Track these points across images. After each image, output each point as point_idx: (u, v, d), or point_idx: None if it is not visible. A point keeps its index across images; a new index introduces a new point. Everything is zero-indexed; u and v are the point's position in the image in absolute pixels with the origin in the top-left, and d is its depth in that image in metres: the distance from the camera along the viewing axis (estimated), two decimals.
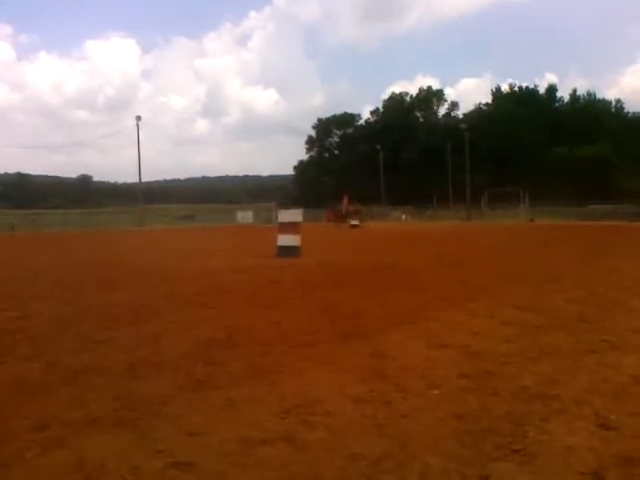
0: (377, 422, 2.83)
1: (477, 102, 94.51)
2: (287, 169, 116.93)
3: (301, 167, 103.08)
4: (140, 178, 57.88)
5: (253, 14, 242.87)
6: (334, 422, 2.84)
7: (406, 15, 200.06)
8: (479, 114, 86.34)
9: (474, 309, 5.99)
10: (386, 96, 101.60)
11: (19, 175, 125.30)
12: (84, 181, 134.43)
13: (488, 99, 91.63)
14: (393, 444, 2.57)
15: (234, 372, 3.71)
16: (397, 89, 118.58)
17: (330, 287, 7.90)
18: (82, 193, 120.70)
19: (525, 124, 75.04)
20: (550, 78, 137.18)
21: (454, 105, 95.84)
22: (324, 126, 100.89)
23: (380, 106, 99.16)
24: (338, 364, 3.88)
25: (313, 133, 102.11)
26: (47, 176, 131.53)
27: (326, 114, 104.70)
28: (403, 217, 58.50)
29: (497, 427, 2.75)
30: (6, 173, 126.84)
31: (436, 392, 3.29)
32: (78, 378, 3.65)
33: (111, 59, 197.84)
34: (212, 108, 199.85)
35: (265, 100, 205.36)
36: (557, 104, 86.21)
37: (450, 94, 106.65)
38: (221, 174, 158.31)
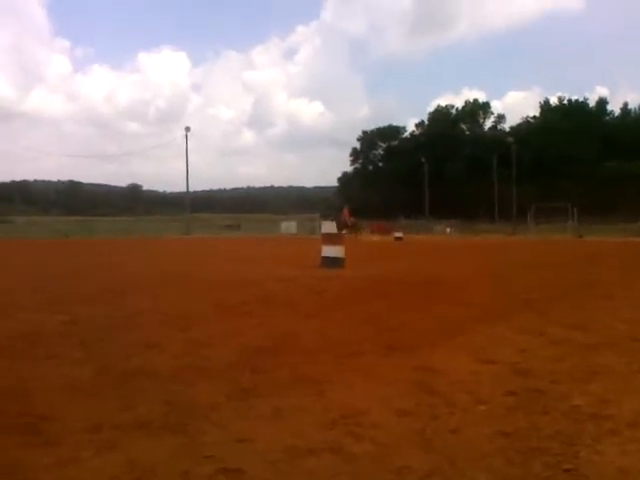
0: (424, 436, 2.80)
1: (524, 115, 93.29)
2: (331, 181, 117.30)
3: (345, 179, 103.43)
4: (187, 187, 59.01)
5: (300, 28, 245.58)
6: (380, 434, 2.82)
7: (453, 27, 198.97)
8: (526, 127, 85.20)
9: (522, 325, 5.88)
10: (431, 109, 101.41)
11: (72, 183, 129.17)
12: (134, 190, 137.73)
13: (536, 112, 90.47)
14: (441, 460, 2.54)
15: (279, 381, 3.74)
16: (443, 102, 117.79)
17: (374, 299, 7.88)
18: (131, 201, 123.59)
19: (574, 138, 73.60)
20: (601, 91, 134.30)
21: (500, 118, 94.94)
22: (369, 138, 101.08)
23: (425, 119, 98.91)
24: (383, 376, 3.87)
25: (357, 145, 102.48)
26: (99, 184, 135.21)
27: (371, 126, 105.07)
28: (447, 230, 57.92)
29: (547, 446, 2.69)
30: (59, 181, 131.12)
31: (483, 408, 3.24)
32: (128, 381, 3.73)
33: (162, 72, 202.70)
34: (258, 120, 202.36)
35: (310, 112, 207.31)
36: (607, 118, 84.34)
37: (497, 107, 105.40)
38: (266, 185, 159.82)
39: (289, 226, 57.38)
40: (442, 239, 41.67)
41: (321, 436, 2.80)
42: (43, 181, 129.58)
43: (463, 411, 3.18)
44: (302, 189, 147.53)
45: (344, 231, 35.95)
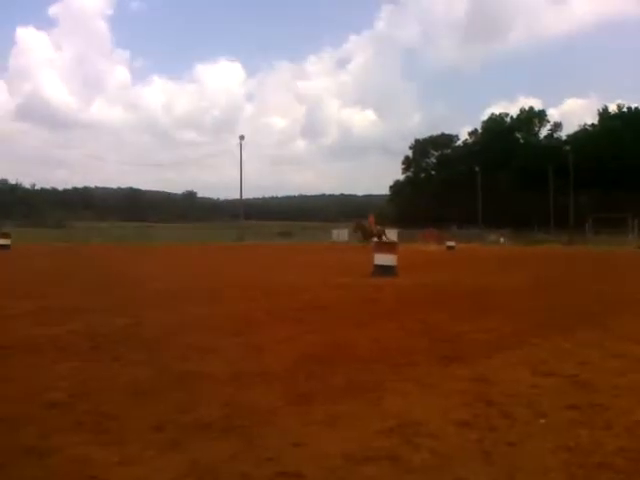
0: (483, 448, 2.77)
1: (582, 123, 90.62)
2: (383, 189, 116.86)
3: (397, 187, 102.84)
4: (241, 195, 59.72)
5: (353, 37, 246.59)
6: (438, 445, 2.80)
7: (508, 35, 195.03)
8: (584, 135, 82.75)
9: (581, 338, 5.73)
10: (485, 117, 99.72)
11: (131, 190, 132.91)
12: (189, 197, 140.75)
13: (594, 120, 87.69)
14: (501, 473, 2.51)
15: (335, 387, 3.76)
16: (497, 110, 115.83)
17: (428, 308, 7.82)
18: (187, 208, 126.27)
19: (634, 146, 71.02)
20: None
21: (557, 126, 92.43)
22: (421, 147, 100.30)
23: (479, 127, 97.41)
24: (440, 386, 3.84)
25: (410, 153, 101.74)
26: (156, 191, 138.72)
27: (423, 135, 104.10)
28: (501, 240, 56.76)
29: (610, 462, 2.62)
30: (119, 188, 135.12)
31: (543, 421, 3.18)
32: (187, 384, 3.82)
33: (218, 82, 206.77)
34: (311, 128, 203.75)
35: (362, 121, 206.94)
36: None
37: (553, 115, 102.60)
38: (317, 193, 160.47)
39: (340, 234, 57.36)
40: (496, 249, 40.86)
41: (378, 444, 2.80)
42: (104, 188, 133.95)
43: (522, 424, 3.12)
44: (354, 197, 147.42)
45: (370, 240, 35.28)
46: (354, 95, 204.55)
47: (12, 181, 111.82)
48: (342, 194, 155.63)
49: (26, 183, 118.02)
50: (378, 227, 36.27)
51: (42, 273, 14.52)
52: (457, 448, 2.78)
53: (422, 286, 10.89)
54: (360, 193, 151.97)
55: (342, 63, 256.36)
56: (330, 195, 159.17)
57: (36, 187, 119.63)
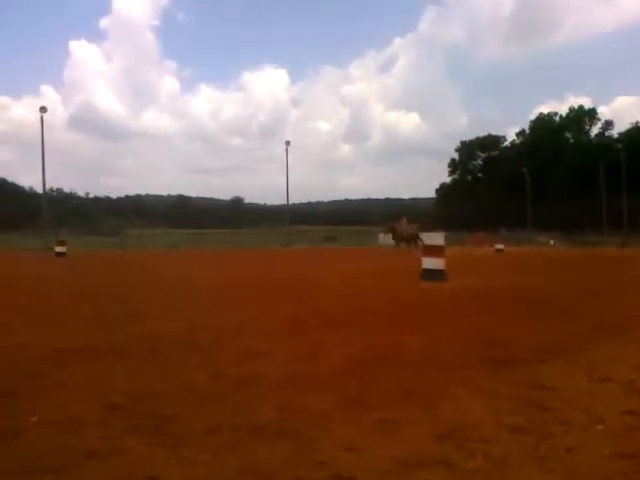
0: (538, 454, 2.74)
1: (634, 121, 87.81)
2: (429, 192, 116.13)
3: (443, 190, 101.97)
4: (288, 200, 60.15)
5: (397, 40, 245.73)
6: (492, 450, 2.78)
7: (556, 32, 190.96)
8: (637, 133, 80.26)
9: (638, 342, 5.59)
10: (533, 117, 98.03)
11: (180, 197, 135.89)
12: (236, 202, 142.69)
13: None
14: (557, 479, 2.49)
15: (386, 392, 3.77)
16: (545, 109, 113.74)
17: (479, 312, 7.73)
18: (234, 213, 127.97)
19: None
20: None
21: (608, 124, 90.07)
22: (467, 148, 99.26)
23: (527, 127, 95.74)
24: (492, 391, 3.80)
25: (456, 156, 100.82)
26: (204, 198, 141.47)
27: (469, 136, 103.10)
28: (551, 242, 55.59)
29: None
30: (169, 195, 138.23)
31: (600, 427, 3.12)
32: (242, 387, 3.90)
33: (264, 88, 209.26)
34: (355, 132, 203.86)
35: (407, 123, 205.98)
36: None
37: (604, 113, 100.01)
38: (363, 197, 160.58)
39: (386, 237, 57.04)
40: (546, 251, 40.01)
41: (431, 449, 2.81)
42: (155, 195, 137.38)
43: (579, 430, 3.07)
44: (400, 201, 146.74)
45: (400, 243, 34.51)
46: (398, 98, 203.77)
47: (67, 190, 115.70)
48: (387, 198, 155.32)
49: (80, 192, 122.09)
50: (411, 230, 35.03)
51: (98, 279, 14.99)
52: (512, 454, 2.75)
53: (472, 290, 10.77)
54: (406, 196, 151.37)
55: (386, 66, 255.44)
56: (375, 199, 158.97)
57: (90, 195, 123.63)
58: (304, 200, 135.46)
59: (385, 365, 4.58)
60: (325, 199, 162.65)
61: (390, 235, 39.08)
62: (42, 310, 8.13)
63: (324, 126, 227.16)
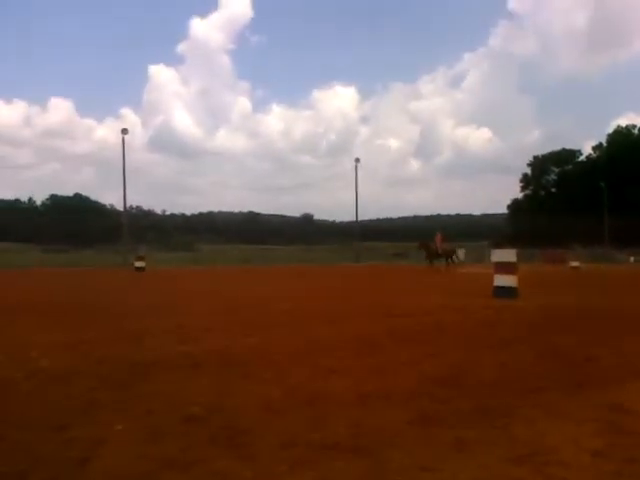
0: None
1: None
2: (500, 208, 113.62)
3: (515, 206, 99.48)
4: (357, 217, 60.36)
5: (467, 55, 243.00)
6: (572, 475, 2.69)
7: (633, 42, 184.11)
8: None
9: None
10: (611, 130, 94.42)
11: (251, 214, 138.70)
12: (306, 219, 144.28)
13: None
14: None
15: (460, 411, 3.71)
16: (624, 122, 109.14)
17: (554, 331, 7.49)
18: (304, 230, 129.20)
19: None
20: None
21: None
22: (540, 163, 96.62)
23: (604, 141, 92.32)
24: (570, 414, 3.68)
25: (528, 171, 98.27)
26: (274, 215, 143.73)
27: (542, 151, 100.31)
28: (631, 259, 53.08)
29: None
30: (240, 212, 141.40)
31: None
32: (315, 403, 3.93)
33: (333, 106, 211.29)
34: (425, 149, 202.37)
35: (477, 139, 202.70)
36: None
37: None
38: (432, 213, 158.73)
39: (457, 254, 56.20)
40: (626, 269, 38.25)
41: (509, 472, 2.74)
42: (226, 212, 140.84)
43: None
44: (470, 217, 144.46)
45: (434, 260, 32.74)
46: (469, 113, 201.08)
47: (145, 207, 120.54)
48: (458, 214, 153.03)
49: (157, 209, 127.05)
50: (445, 247, 33.62)
51: (175, 294, 15.49)
52: (592, 479, 2.68)
53: (546, 308, 10.45)
54: (476, 212, 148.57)
55: (456, 81, 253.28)
56: (445, 215, 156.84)
57: (166, 212, 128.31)
58: (373, 217, 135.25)
59: (458, 384, 4.51)
60: (394, 215, 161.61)
61: (462, 252, 37.89)
62: (121, 324, 8.47)
63: (393, 143, 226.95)
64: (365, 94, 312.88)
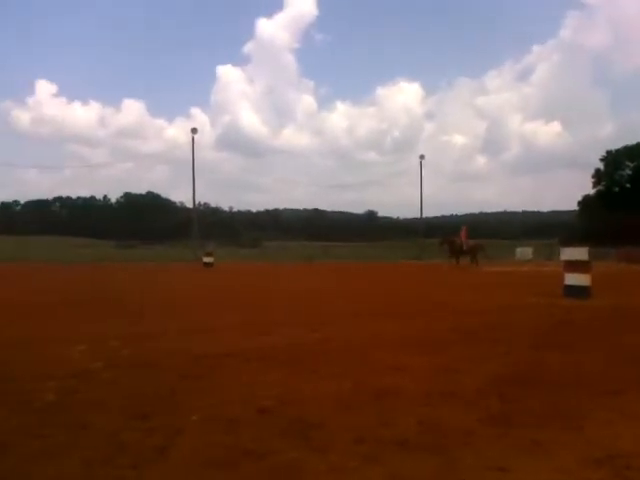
0: None
1: None
2: (570, 204, 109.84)
3: (586, 202, 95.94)
4: (421, 213, 59.83)
5: (536, 48, 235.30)
6: None
7: None
8: None
9: None
10: None
11: (316, 211, 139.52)
12: (370, 216, 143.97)
13: None
14: None
15: (533, 412, 3.65)
16: None
17: (629, 331, 7.23)
18: (368, 228, 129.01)
19: None
20: None
21: None
22: (614, 158, 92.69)
23: None
24: None
25: (601, 166, 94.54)
26: (339, 212, 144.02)
27: (616, 145, 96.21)
28: None
29: None
30: (305, 209, 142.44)
31: None
32: (383, 399, 3.96)
33: (397, 103, 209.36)
34: (491, 144, 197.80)
35: (547, 134, 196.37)
36: None
37: None
38: (499, 209, 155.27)
39: (524, 252, 54.76)
40: None
41: (587, 475, 2.68)
42: (291, 209, 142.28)
43: None
44: (538, 214, 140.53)
45: (458, 257, 30.46)
46: (537, 108, 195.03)
47: (213, 204, 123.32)
48: (525, 211, 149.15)
49: (225, 206, 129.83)
50: (471, 243, 31.90)
51: (242, 289, 15.82)
52: None
53: (622, 308, 10.06)
54: (545, 209, 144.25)
55: (524, 75, 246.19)
56: (512, 212, 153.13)
57: (233, 210, 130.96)
58: (438, 214, 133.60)
59: (530, 384, 4.42)
60: (459, 212, 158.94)
61: (529, 250, 36.65)
62: (190, 317, 8.75)
63: (459, 138, 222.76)
64: (430, 90, 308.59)
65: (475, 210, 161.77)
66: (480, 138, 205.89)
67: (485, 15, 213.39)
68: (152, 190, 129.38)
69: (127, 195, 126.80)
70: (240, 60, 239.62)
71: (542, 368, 5.02)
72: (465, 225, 33.93)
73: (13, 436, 3.20)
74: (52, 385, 4.34)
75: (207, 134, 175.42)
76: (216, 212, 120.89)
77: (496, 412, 3.64)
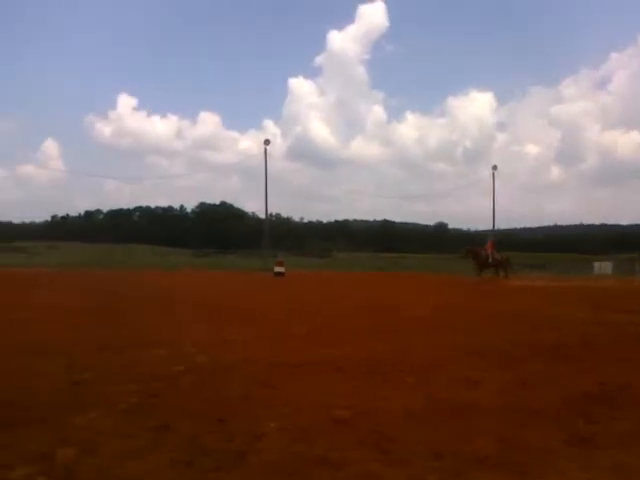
0: None
1: None
2: None
3: None
4: (493, 226, 58.52)
5: (614, 55, 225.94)
6: None
7: None
8: None
9: None
10: None
11: (385, 222, 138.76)
12: (440, 228, 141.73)
13: None
14: None
15: (619, 433, 3.51)
16: None
17: None
18: (438, 240, 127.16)
19: None
20: None
21: None
22: None
23: None
24: None
25: None
26: (408, 223, 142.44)
27: None
28: None
29: None
30: (374, 220, 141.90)
31: None
32: (458, 414, 3.89)
33: (469, 113, 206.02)
34: (567, 155, 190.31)
35: (627, 143, 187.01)
36: None
37: None
38: (575, 222, 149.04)
39: (604, 266, 52.48)
40: None
41: None
42: (361, 220, 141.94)
43: None
44: (617, 227, 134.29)
45: (484, 269, 28.87)
46: (617, 116, 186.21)
47: (284, 215, 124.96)
48: (603, 224, 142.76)
49: (295, 216, 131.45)
50: (497, 255, 29.97)
51: (313, 299, 15.93)
52: None
53: None
54: (625, 222, 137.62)
55: (602, 83, 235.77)
56: (589, 225, 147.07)
57: (303, 220, 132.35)
58: (509, 226, 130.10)
59: (615, 404, 4.25)
60: (532, 225, 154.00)
61: (609, 264, 34.88)
62: (263, 325, 8.88)
63: (532, 149, 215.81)
64: (502, 99, 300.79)
65: (549, 222, 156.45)
66: (554, 148, 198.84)
67: (560, 22, 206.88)
68: (225, 200, 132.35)
69: (202, 205, 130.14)
70: (311, 72, 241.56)
71: (629, 387, 4.81)
72: (493, 237, 32.62)
73: (102, 436, 3.34)
74: (134, 388, 4.50)
75: (278, 145, 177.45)
76: (287, 222, 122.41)
77: (580, 432, 3.52)
